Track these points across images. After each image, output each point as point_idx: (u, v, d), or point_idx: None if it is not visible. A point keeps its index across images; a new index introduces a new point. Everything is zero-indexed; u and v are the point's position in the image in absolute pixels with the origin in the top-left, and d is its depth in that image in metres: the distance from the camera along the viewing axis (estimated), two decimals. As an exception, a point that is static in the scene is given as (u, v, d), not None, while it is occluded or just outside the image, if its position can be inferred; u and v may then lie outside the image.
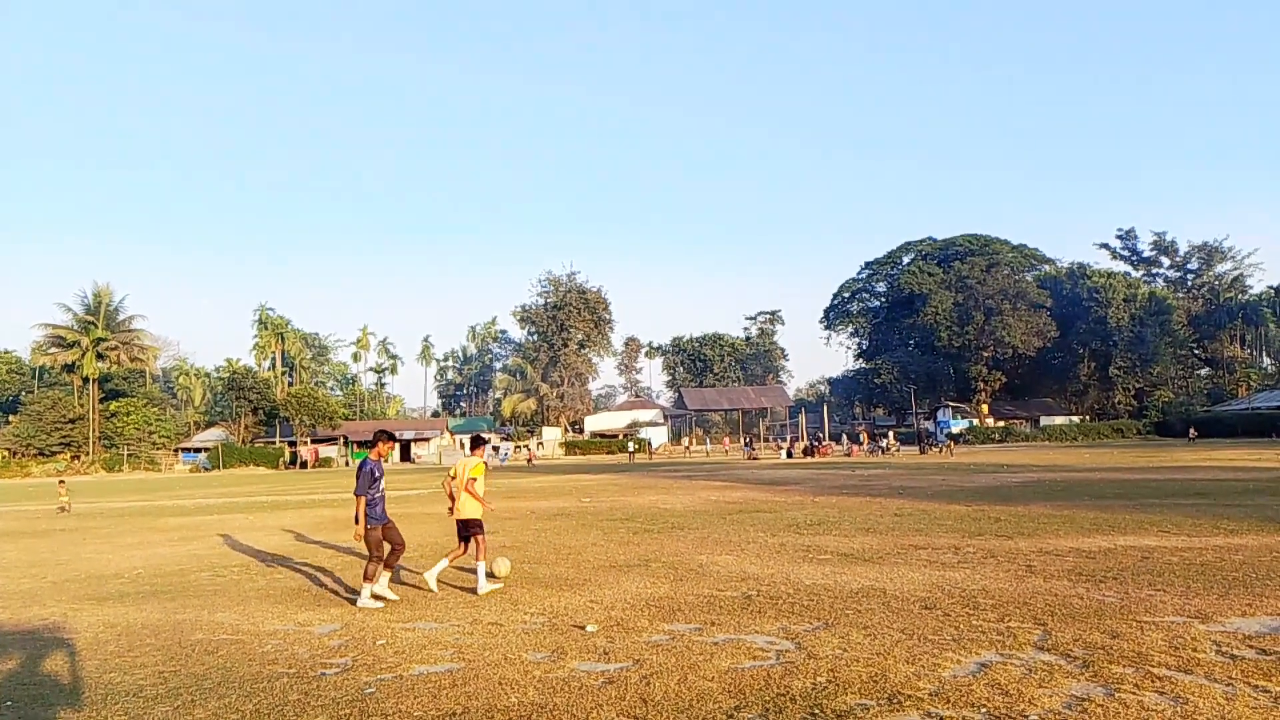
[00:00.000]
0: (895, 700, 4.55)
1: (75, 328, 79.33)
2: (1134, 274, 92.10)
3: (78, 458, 74.12)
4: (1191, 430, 59.35)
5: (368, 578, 7.93)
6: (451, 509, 8.68)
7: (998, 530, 11.87)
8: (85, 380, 78.15)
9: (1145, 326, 79.76)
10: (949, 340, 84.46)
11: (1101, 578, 7.95)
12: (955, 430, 71.29)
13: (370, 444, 8.30)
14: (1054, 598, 7.11)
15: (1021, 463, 33.97)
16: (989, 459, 39.45)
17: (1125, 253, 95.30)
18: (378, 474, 8.07)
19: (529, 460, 61.28)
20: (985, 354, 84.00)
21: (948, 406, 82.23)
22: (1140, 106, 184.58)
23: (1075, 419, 79.62)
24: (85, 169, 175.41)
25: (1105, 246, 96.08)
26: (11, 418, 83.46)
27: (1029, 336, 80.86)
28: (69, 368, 79.97)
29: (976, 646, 5.60)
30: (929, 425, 75.54)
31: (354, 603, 7.94)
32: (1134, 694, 4.52)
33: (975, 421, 78.07)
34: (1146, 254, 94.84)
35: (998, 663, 5.21)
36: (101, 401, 78.78)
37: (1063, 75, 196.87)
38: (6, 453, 75.43)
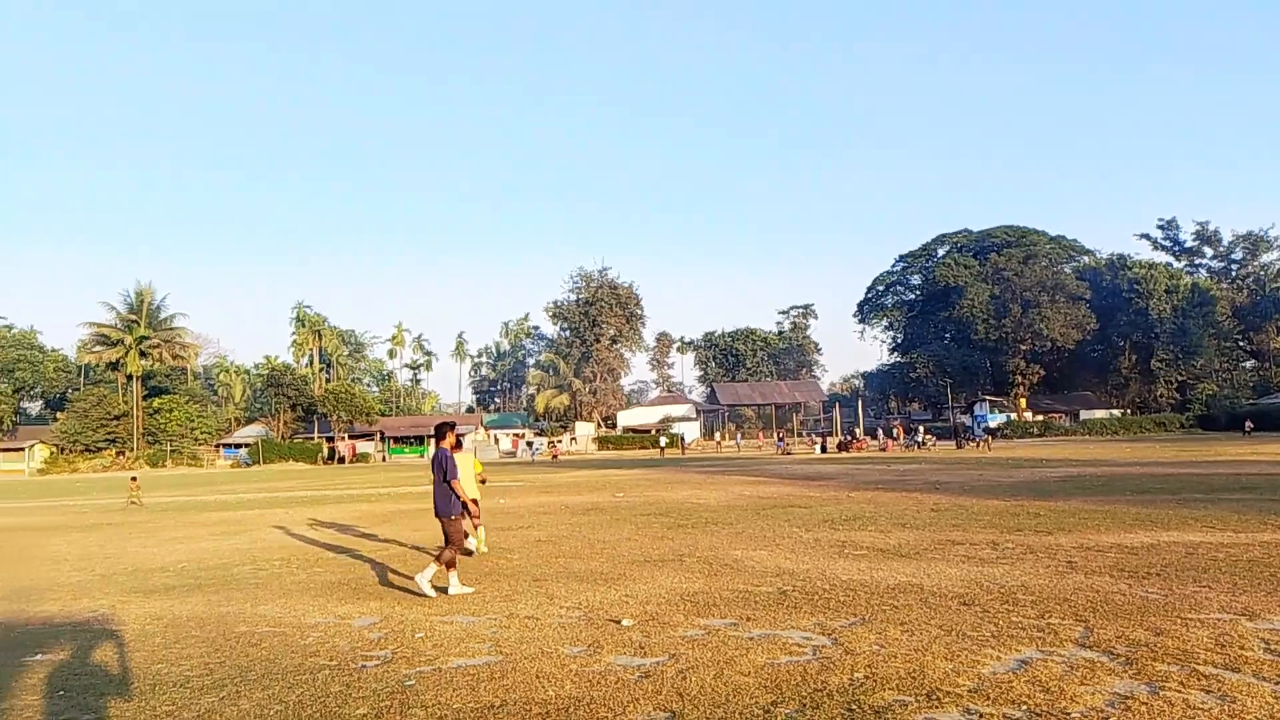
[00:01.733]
0: (934, 697, 4.51)
1: (119, 326, 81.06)
2: (1176, 265, 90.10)
3: (123, 454, 75.73)
4: (1247, 423, 57.24)
5: (449, 565, 8.22)
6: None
7: (1037, 525, 11.72)
8: (129, 378, 79.83)
9: (1188, 318, 78.05)
10: (985, 333, 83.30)
11: (1144, 574, 7.82)
12: (992, 424, 70.38)
13: (438, 436, 8.66)
14: (1095, 594, 7.00)
15: (1061, 457, 33.48)
16: (1027, 453, 38.93)
17: (1167, 243, 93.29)
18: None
19: (554, 455, 61.61)
20: (1023, 347, 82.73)
21: (985, 400, 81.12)
22: (1181, 93, 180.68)
23: (1116, 413, 78.20)
24: (126, 171, 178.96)
25: (1146, 237, 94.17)
26: (59, 414, 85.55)
27: (1068, 329, 79.53)
28: (113, 365, 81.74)
29: (1016, 643, 5.54)
30: (965, 419, 74.71)
31: (445, 591, 8.14)
32: (1179, 692, 4.44)
33: (1013, 415, 76.99)
34: (1189, 244, 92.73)
35: (1038, 659, 5.15)
36: (145, 398, 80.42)
37: (1100, 64, 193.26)
38: (55, 449, 77.32)
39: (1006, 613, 6.43)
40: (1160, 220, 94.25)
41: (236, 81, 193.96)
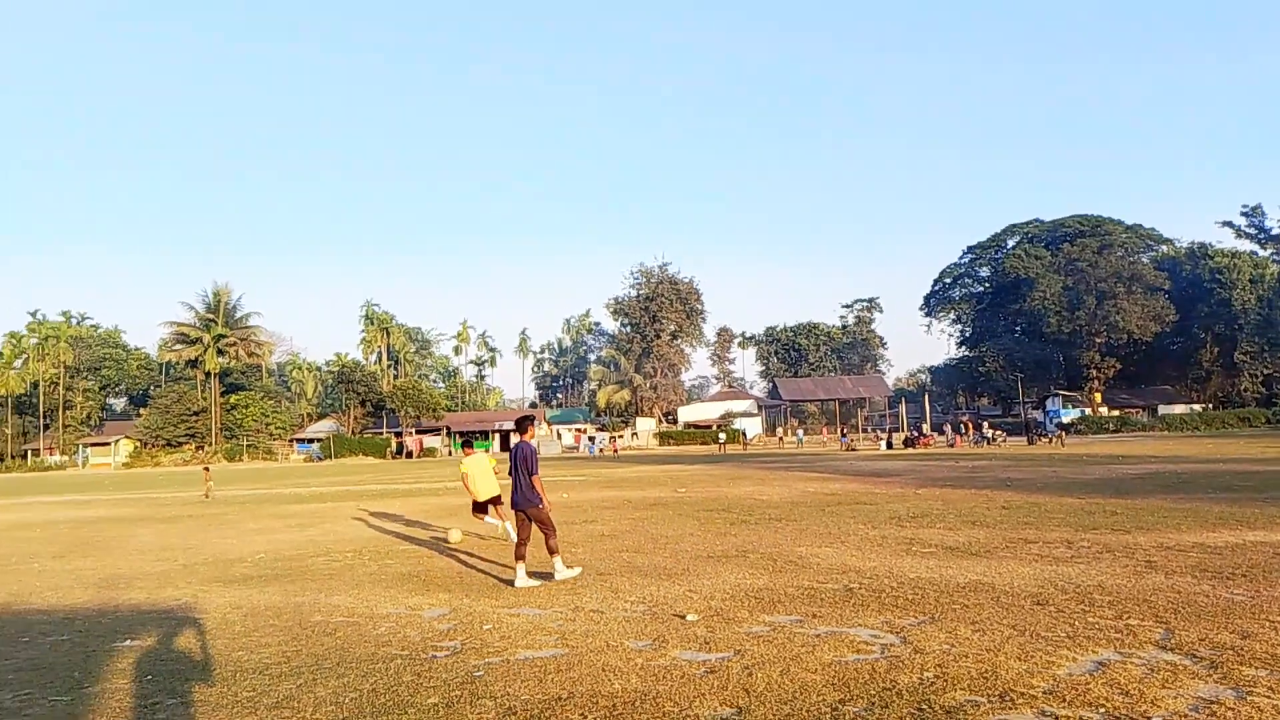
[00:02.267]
0: (1007, 698, 4.41)
1: (198, 325, 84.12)
2: (1261, 253, 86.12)
3: (202, 448, 78.58)
4: None
5: (553, 551, 8.45)
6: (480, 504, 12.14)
7: (1114, 524, 11.36)
8: (207, 375, 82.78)
9: (1274, 308, 74.64)
10: (1058, 326, 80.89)
11: (1229, 575, 7.52)
12: (1066, 420, 68.37)
13: (521, 429, 8.95)
14: (1177, 595, 6.76)
15: (1139, 453, 32.37)
16: (1103, 449, 37.74)
17: (1251, 230, 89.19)
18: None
19: (614, 451, 61.92)
20: (1098, 340, 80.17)
21: (1057, 395, 78.81)
22: (1266, 73, 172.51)
23: (1196, 407, 75.30)
24: (205, 175, 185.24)
25: (1229, 224, 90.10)
26: (142, 411, 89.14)
27: (1145, 321, 76.80)
28: (192, 363, 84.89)
29: (1093, 644, 5.38)
30: (1037, 415, 72.72)
31: (553, 577, 8.39)
32: (1268, 698, 4.26)
33: (1087, 411, 74.64)
34: (1275, 231, 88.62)
35: (1116, 661, 4.99)
36: (222, 395, 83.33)
37: (1178, 45, 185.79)
38: (138, 443, 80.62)
39: (1082, 613, 6.25)
40: (1244, 207, 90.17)
41: (306, 88, 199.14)
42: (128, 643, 6.51)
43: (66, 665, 5.89)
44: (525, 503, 8.46)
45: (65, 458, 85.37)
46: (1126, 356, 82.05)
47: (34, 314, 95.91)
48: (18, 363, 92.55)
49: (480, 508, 12.39)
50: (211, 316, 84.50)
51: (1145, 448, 38.24)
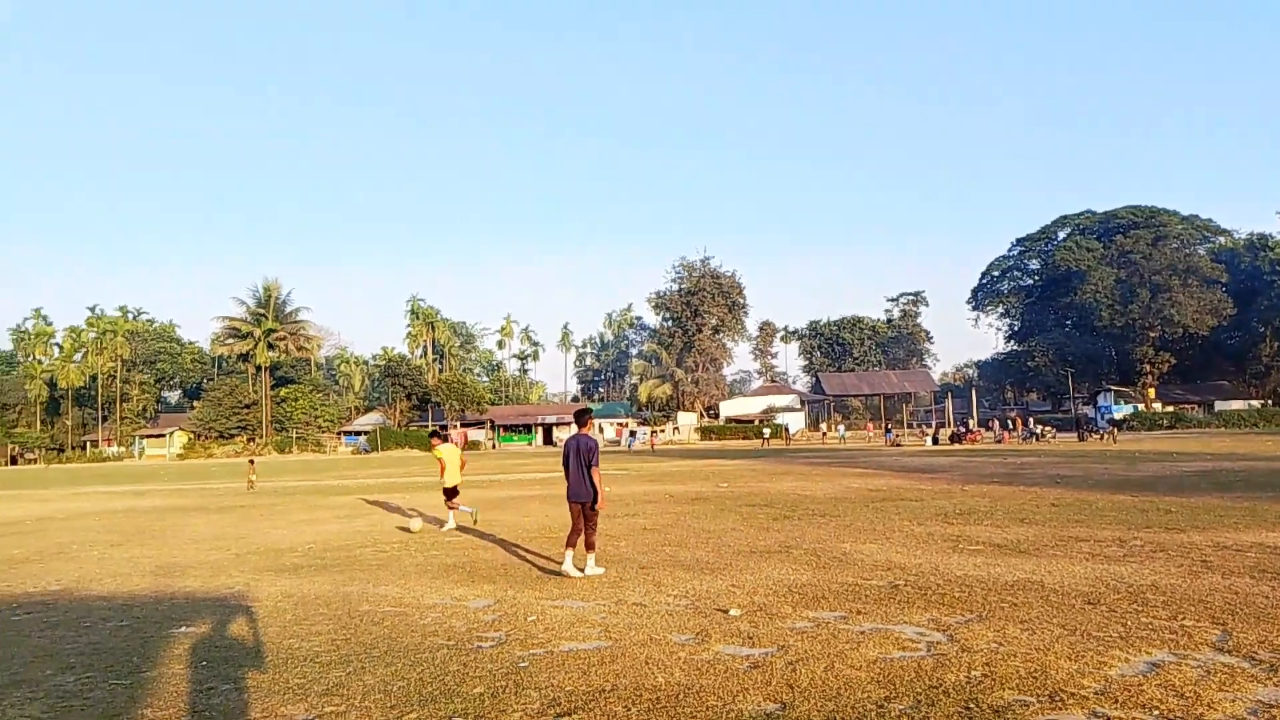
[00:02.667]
0: (1057, 698, 4.34)
1: (249, 320, 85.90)
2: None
3: (253, 440, 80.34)
4: None
5: (590, 547, 8.57)
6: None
7: (1168, 522, 11.09)
8: (258, 368, 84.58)
9: (1337, 300, 72.18)
10: (1110, 320, 79.06)
11: (1290, 576, 7.30)
12: (1118, 416, 66.90)
13: (580, 421, 8.86)
14: (1234, 595, 6.59)
15: (1194, 451, 31.52)
16: (1156, 446, 36.82)
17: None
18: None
19: (651, 446, 61.85)
20: (1151, 334, 78.19)
21: (1109, 390, 77.17)
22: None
23: (1255, 404, 73.04)
24: (255, 171, 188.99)
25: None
26: (195, 403, 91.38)
27: (1201, 315, 74.71)
28: (244, 357, 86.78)
29: (1147, 645, 5.27)
30: (1088, 410, 71.21)
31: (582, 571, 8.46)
32: (1331, 703, 4.14)
33: (1140, 406, 72.97)
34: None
35: (1171, 663, 4.88)
36: (272, 388, 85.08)
37: (1233, 30, 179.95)
38: (192, 435, 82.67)
39: (1135, 613, 6.12)
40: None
41: (353, 87, 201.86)
42: (183, 629, 6.69)
43: (125, 650, 6.06)
44: (582, 495, 8.50)
45: (122, 449, 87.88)
46: (1181, 351, 79.94)
47: (92, 309, 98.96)
48: (77, 356, 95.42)
49: (451, 494, 13.11)
50: (262, 311, 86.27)
51: (1201, 445, 37.22)
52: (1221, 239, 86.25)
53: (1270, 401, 74.40)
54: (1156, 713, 4.09)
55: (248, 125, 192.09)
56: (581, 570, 8.44)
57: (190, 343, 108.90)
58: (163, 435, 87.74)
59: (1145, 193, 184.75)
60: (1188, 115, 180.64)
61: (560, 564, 8.60)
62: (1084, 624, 5.84)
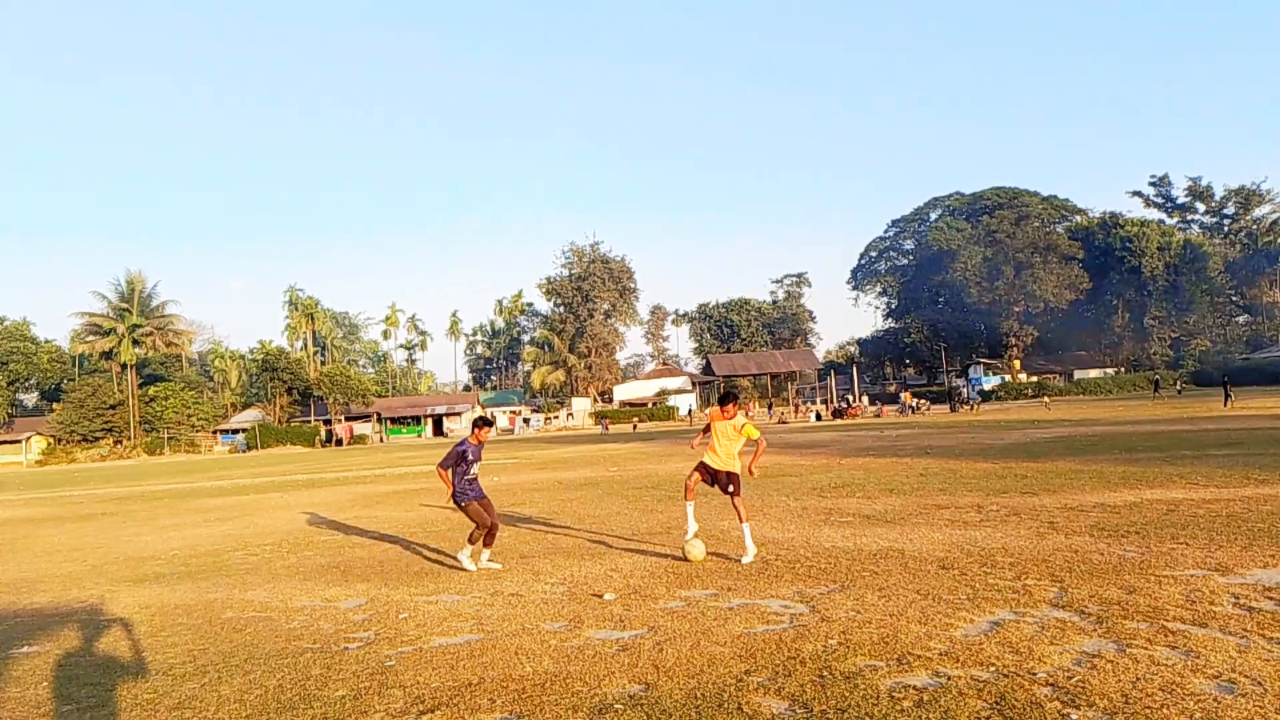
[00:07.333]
0: (904, 661, 4.57)
1: (111, 315, 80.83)
2: (1168, 221, 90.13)
3: (120, 443, 75.79)
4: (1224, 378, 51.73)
5: (470, 540, 8.42)
6: None
7: (1023, 487, 11.80)
8: (123, 366, 79.72)
9: (1180, 275, 78.25)
10: (979, 296, 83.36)
11: (1124, 532, 7.89)
12: (987, 387, 70.70)
13: (475, 429, 8.77)
14: (1073, 554, 7.07)
15: (1053, 418, 33.64)
16: (1020, 415, 39.09)
17: (1159, 200, 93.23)
18: (470, 456, 8.46)
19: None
20: (1016, 309, 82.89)
21: (979, 363, 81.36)
22: (1173, 47, 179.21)
23: (1110, 371, 78.51)
24: (114, 160, 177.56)
25: (1138, 194, 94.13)
26: (55, 406, 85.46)
27: (1061, 289, 79.68)
28: (107, 355, 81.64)
29: (991, 605, 5.60)
30: (960, 383, 74.94)
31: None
32: (1145, 649, 4.50)
33: (1007, 378, 77.25)
34: (1181, 200, 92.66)
35: (1011, 621, 5.21)
36: (140, 387, 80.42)
37: (1090, 18, 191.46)
38: (52, 440, 77.37)
39: (984, 575, 6.49)
40: (1152, 177, 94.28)
41: (217, 73, 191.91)
42: (25, 649, 6.27)
43: (-43, 676, 5.64)
44: (458, 496, 8.46)
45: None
46: (1044, 324, 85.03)
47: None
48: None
49: None
50: (125, 306, 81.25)
51: (1059, 412, 39.73)
52: (1078, 218, 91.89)
53: (1123, 369, 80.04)
54: (993, 669, 4.35)
55: (107, 108, 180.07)
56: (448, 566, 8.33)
57: (47, 341, 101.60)
58: (18, 441, 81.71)
59: (1009, 173, 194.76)
60: (1047, 98, 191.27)
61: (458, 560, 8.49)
62: (936, 588, 6.16)
